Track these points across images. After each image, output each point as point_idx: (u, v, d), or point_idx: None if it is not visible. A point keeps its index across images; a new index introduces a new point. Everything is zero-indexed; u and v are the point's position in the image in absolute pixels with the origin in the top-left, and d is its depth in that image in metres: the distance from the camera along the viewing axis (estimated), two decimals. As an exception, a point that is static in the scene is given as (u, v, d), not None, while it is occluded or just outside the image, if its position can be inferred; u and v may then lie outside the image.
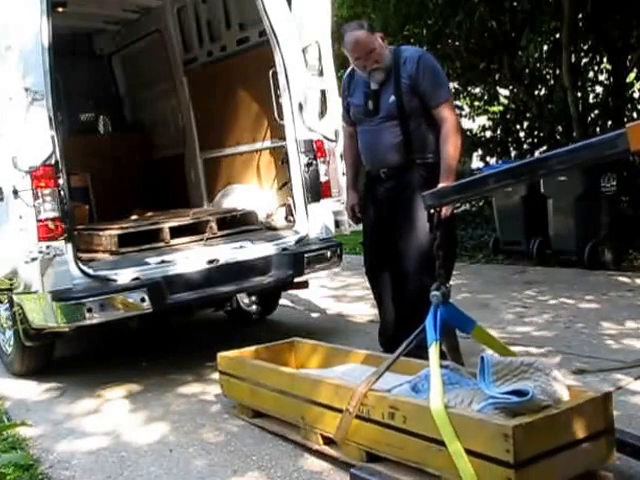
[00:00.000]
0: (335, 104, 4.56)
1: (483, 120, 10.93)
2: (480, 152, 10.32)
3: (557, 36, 8.58)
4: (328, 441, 2.85)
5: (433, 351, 2.49)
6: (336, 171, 4.68)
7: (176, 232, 4.65)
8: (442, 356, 2.59)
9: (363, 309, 5.57)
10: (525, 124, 10.10)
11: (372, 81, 3.67)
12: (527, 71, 9.36)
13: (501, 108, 10.79)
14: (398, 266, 3.71)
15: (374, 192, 3.83)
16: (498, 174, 2.50)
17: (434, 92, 3.61)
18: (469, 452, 2.23)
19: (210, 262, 4.19)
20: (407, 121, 3.62)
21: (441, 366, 2.50)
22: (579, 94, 8.49)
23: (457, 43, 9.10)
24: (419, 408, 2.43)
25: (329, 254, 4.53)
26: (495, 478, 2.17)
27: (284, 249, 4.45)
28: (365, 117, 3.76)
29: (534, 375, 2.35)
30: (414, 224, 3.57)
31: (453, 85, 9.93)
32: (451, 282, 3.50)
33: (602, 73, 9.23)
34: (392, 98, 3.62)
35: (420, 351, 2.67)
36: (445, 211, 3.57)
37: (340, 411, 2.71)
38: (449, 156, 3.54)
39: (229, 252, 4.34)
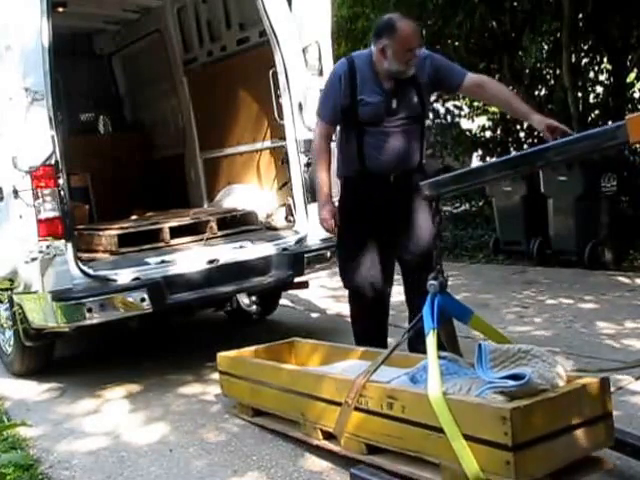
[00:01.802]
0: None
1: (483, 120, 10.89)
2: (480, 152, 10.30)
3: (557, 36, 8.57)
4: (328, 436, 2.85)
5: (430, 340, 2.49)
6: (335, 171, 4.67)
7: (176, 232, 4.65)
8: (441, 348, 2.59)
9: (363, 309, 5.56)
10: (525, 124, 10.08)
11: (404, 77, 3.39)
12: (527, 71, 9.34)
13: (501, 108, 10.77)
14: (409, 265, 3.59)
15: (375, 197, 3.49)
16: (497, 164, 2.50)
17: (454, 69, 3.54)
18: (468, 437, 2.23)
19: (210, 262, 4.19)
20: (423, 121, 3.58)
21: (439, 356, 2.50)
22: (579, 94, 8.47)
23: (457, 43, 9.07)
24: (417, 397, 2.44)
25: (329, 254, 4.53)
26: (494, 461, 2.17)
27: (284, 249, 4.45)
28: (385, 117, 3.42)
29: (531, 362, 2.36)
30: (427, 224, 3.36)
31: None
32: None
33: (602, 73, 9.21)
34: (415, 98, 3.46)
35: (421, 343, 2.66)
36: None
37: (340, 405, 2.71)
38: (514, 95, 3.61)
39: (229, 252, 4.34)
